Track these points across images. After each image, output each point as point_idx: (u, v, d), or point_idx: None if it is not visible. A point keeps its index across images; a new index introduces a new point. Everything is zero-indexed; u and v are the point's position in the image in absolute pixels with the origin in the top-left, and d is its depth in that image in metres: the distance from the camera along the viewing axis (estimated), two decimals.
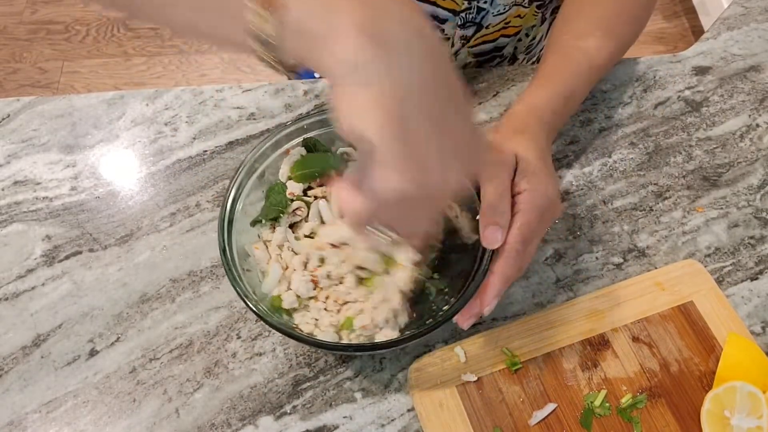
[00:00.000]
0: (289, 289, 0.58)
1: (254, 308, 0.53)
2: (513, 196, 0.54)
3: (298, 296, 0.57)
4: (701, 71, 0.82)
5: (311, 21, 0.36)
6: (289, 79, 0.42)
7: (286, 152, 0.62)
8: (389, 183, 0.36)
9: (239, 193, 0.58)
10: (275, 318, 0.54)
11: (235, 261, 0.56)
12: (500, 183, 0.54)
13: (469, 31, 0.80)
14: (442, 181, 0.37)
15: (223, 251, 0.55)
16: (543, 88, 0.62)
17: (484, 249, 0.55)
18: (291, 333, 0.53)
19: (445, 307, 0.57)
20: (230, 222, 0.56)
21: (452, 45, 0.82)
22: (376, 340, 0.56)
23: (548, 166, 0.57)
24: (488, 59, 0.87)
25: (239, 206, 0.58)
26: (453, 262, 0.61)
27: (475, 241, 0.57)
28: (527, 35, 0.86)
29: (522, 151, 0.55)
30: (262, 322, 0.53)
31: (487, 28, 0.80)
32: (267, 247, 0.60)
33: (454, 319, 0.54)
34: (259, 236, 0.61)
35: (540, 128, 0.59)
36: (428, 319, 0.57)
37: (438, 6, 0.76)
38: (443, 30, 0.80)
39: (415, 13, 0.37)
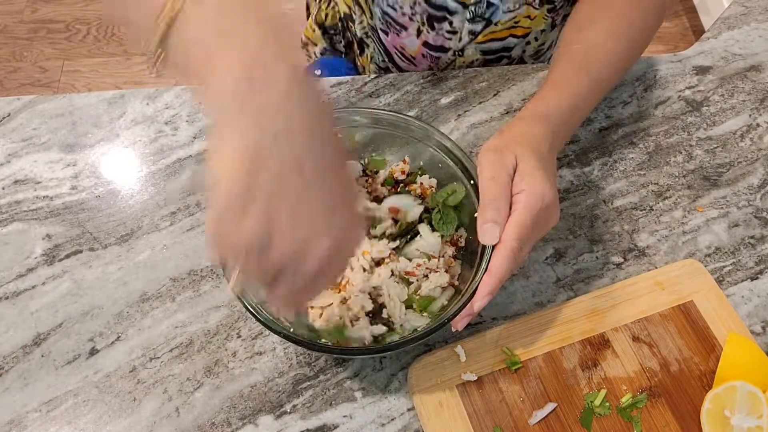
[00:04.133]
0: None
1: (254, 311, 0.53)
2: (511, 197, 0.55)
3: None
4: (702, 71, 0.82)
5: (199, 49, 0.38)
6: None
7: None
8: (234, 229, 0.37)
9: None
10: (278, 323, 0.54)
11: None
12: (499, 182, 0.54)
13: (478, 26, 0.80)
14: (296, 245, 0.38)
15: None
16: (551, 96, 0.62)
17: (482, 252, 0.55)
18: (290, 336, 0.53)
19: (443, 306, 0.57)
20: None
21: (460, 39, 0.82)
22: (375, 343, 0.56)
23: (548, 171, 0.56)
24: (496, 59, 0.87)
25: None
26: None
27: (473, 245, 0.58)
28: (536, 39, 0.86)
29: (522, 154, 0.55)
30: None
31: (496, 24, 0.80)
32: None
33: (451, 322, 0.54)
34: None
35: (544, 134, 0.59)
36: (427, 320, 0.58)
37: None
38: (452, 23, 0.80)
39: (300, 67, 0.38)
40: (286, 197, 0.37)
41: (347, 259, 0.44)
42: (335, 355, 0.62)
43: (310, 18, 1.02)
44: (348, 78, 0.80)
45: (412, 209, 0.63)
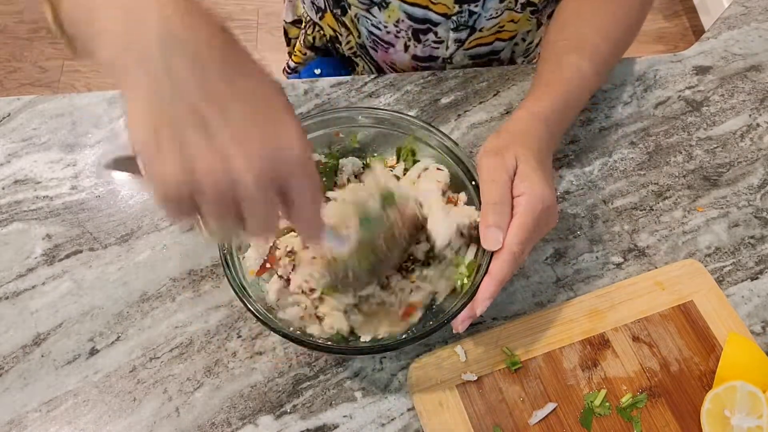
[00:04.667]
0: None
1: (254, 310, 0.53)
2: (512, 199, 0.55)
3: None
4: (702, 71, 0.82)
5: (78, 21, 0.39)
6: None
7: None
8: (158, 179, 0.37)
9: None
10: (277, 322, 0.54)
11: (235, 262, 0.56)
12: (500, 185, 0.54)
13: (463, 35, 0.80)
14: (219, 171, 0.36)
15: (223, 254, 0.55)
16: (544, 95, 0.62)
17: (483, 253, 0.55)
18: (289, 335, 0.53)
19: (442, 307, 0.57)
20: None
21: (447, 48, 0.82)
22: (374, 342, 0.56)
23: (547, 172, 0.57)
24: (485, 63, 0.87)
25: None
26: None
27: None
28: (524, 40, 0.86)
29: (522, 155, 0.55)
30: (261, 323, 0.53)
31: (480, 31, 0.80)
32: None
33: (452, 323, 0.54)
34: None
35: (541, 134, 0.59)
36: (429, 320, 0.58)
37: (430, 10, 0.77)
38: (437, 33, 0.80)
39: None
40: (190, 123, 0.37)
41: (296, 157, 0.40)
42: (334, 354, 0.62)
43: (297, 45, 1.01)
44: (348, 78, 0.80)
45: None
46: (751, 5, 0.88)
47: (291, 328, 0.56)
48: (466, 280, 0.57)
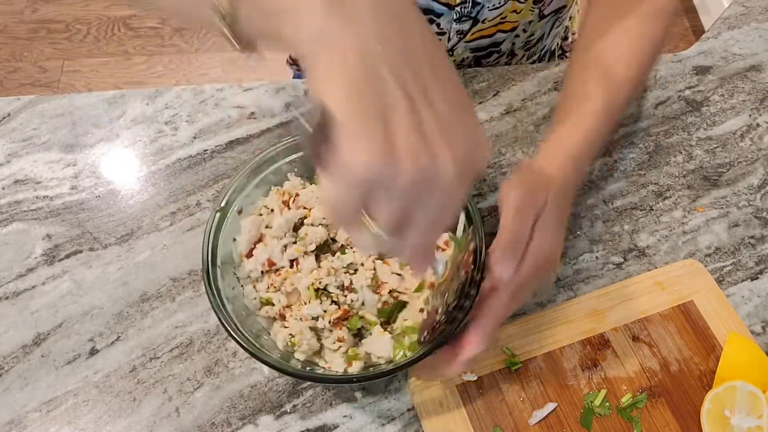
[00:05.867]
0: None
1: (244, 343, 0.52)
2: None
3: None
4: (702, 71, 0.82)
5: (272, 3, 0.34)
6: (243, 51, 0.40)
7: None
8: (355, 156, 0.31)
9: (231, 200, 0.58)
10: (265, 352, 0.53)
11: (224, 301, 0.54)
12: (524, 221, 0.51)
13: (465, 26, 0.80)
14: (423, 163, 0.32)
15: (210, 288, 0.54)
16: (576, 134, 0.59)
17: (468, 293, 0.52)
18: (281, 368, 0.52)
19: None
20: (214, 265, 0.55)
21: (449, 39, 0.82)
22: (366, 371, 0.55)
23: (564, 222, 0.55)
24: (485, 55, 0.87)
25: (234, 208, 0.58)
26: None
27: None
28: (525, 31, 0.86)
29: (552, 201, 0.53)
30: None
31: (483, 22, 0.80)
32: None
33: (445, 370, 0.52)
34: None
35: (574, 179, 0.57)
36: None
37: (433, 0, 0.76)
38: (439, 24, 0.80)
39: None
40: (398, 98, 0.32)
41: (471, 182, 0.37)
42: (323, 384, 0.61)
43: None
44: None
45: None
46: (751, 5, 0.88)
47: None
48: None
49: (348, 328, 0.56)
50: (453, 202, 0.36)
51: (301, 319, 0.55)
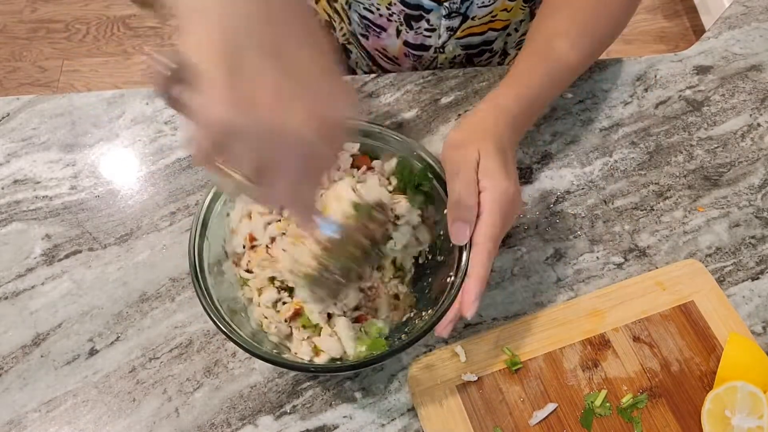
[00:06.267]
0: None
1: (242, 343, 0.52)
2: (478, 194, 0.55)
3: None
4: (702, 70, 0.81)
5: None
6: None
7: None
8: (213, 103, 0.35)
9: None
10: (264, 348, 0.53)
11: (217, 307, 0.54)
12: (465, 179, 0.54)
13: (455, 22, 0.80)
14: (276, 117, 0.35)
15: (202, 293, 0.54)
16: (510, 88, 0.62)
17: (460, 257, 0.54)
18: (274, 360, 0.52)
19: (421, 319, 0.56)
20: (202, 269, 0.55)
21: (439, 36, 0.82)
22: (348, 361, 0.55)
23: (509, 165, 0.57)
24: (477, 53, 0.87)
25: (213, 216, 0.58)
26: (427, 275, 0.61)
27: (449, 253, 0.57)
28: (516, 30, 0.86)
29: (484, 149, 0.56)
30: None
31: (473, 19, 0.80)
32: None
33: (435, 329, 0.53)
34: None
35: (503, 128, 0.59)
36: (402, 334, 0.56)
37: None
38: (429, 20, 0.80)
39: None
40: (260, 56, 0.35)
41: (338, 139, 0.40)
42: (318, 374, 0.61)
43: None
44: (347, 78, 0.80)
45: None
46: (751, 5, 0.87)
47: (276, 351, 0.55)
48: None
49: (303, 325, 0.56)
50: (317, 157, 0.38)
51: (259, 304, 0.56)
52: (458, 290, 0.53)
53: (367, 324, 0.57)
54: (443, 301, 0.54)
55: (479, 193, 0.54)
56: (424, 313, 0.57)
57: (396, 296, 0.60)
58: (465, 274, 0.53)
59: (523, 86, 0.62)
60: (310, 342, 0.56)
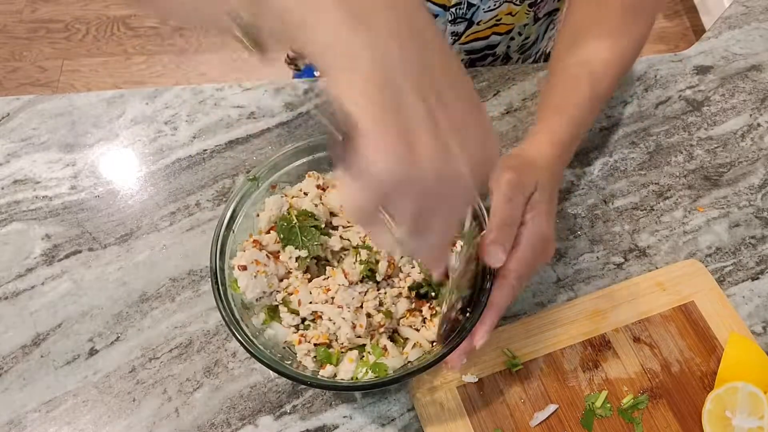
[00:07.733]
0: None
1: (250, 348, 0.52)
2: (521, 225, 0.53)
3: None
4: (702, 70, 0.81)
5: (289, 2, 0.35)
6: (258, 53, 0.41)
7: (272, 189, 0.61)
8: (377, 160, 0.33)
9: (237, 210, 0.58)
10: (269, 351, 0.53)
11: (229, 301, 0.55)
12: (515, 205, 0.53)
13: (460, 27, 0.80)
14: (440, 165, 0.34)
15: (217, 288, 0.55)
16: (559, 122, 0.61)
17: (483, 284, 0.53)
18: (281, 371, 0.51)
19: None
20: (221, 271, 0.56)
21: None
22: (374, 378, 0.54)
23: (553, 204, 0.56)
24: (480, 57, 0.87)
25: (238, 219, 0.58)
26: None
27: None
28: (520, 34, 0.86)
29: (542, 183, 0.55)
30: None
31: (478, 24, 0.80)
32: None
33: (446, 359, 0.52)
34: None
35: (561, 164, 0.59)
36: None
37: (429, 1, 0.76)
38: None
39: None
40: (416, 100, 0.33)
41: (484, 181, 0.39)
42: (327, 390, 0.60)
43: None
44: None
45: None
46: (751, 5, 0.87)
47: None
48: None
49: (317, 357, 0.55)
50: (467, 201, 0.38)
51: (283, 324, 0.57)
52: (473, 325, 0.52)
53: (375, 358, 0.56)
54: (461, 328, 0.53)
55: (521, 225, 0.53)
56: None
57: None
58: (482, 311, 0.52)
59: (569, 121, 0.61)
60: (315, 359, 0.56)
